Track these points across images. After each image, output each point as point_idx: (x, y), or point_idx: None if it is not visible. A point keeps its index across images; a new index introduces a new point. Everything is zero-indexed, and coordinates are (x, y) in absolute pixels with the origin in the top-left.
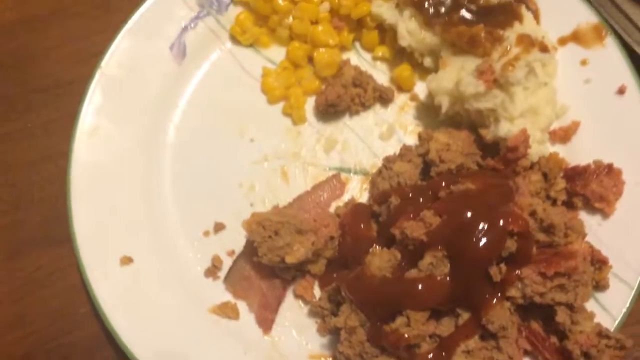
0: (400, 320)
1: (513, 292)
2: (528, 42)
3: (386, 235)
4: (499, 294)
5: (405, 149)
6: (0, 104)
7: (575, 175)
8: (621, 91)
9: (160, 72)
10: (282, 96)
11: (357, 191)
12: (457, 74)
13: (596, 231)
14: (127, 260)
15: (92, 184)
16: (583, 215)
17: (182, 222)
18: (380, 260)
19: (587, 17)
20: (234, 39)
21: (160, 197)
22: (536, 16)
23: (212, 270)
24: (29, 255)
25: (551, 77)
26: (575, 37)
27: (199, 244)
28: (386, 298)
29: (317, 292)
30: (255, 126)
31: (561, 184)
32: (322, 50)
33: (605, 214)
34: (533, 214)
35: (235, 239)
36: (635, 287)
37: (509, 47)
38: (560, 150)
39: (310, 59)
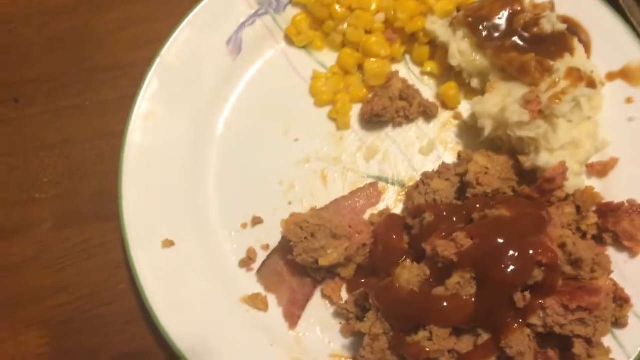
0: (422, 334)
1: (534, 319)
2: (577, 76)
3: (417, 249)
4: (521, 320)
5: (444, 167)
6: (61, 80)
7: (608, 211)
8: None
9: (215, 65)
10: (329, 101)
11: (393, 201)
12: (503, 100)
13: (622, 268)
14: (168, 243)
15: (143, 166)
16: (610, 251)
17: (222, 212)
18: (409, 274)
19: (638, 55)
20: (289, 40)
21: (204, 187)
22: (587, 49)
23: (246, 262)
24: (77, 227)
25: (595, 112)
26: (624, 73)
27: (236, 235)
28: (412, 311)
29: (343, 294)
30: (300, 127)
31: (593, 218)
32: (372, 60)
33: (632, 253)
34: (562, 246)
35: (271, 234)
36: None
37: (557, 79)
38: (595, 184)
39: (360, 67)
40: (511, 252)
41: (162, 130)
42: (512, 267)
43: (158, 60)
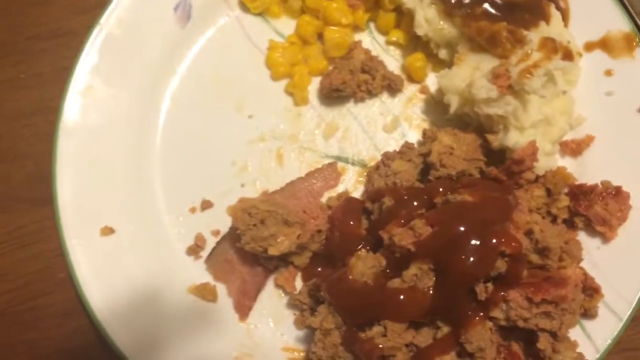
0: (376, 329)
1: (497, 313)
2: (551, 48)
3: (375, 236)
4: (482, 313)
5: (407, 147)
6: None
7: (580, 194)
8: None
9: (162, 34)
10: (287, 73)
11: (352, 183)
12: (471, 73)
13: (593, 255)
14: (108, 231)
15: (80, 147)
16: (582, 236)
17: (168, 195)
18: (363, 265)
19: (620, 25)
20: (243, 6)
21: (148, 168)
22: (565, 17)
23: (194, 249)
24: (10, 213)
25: (571, 86)
26: (604, 44)
27: (183, 220)
28: (365, 305)
29: (299, 283)
30: (255, 102)
31: (564, 201)
32: (333, 28)
33: (605, 239)
34: (529, 233)
35: (222, 219)
36: (625, 320)
37: (530, 51)
38: (568, 164)
39: (320, 37)
40: (473, 242)
41: (101, 106)
42: (473, 258)
43: (97, 29)
